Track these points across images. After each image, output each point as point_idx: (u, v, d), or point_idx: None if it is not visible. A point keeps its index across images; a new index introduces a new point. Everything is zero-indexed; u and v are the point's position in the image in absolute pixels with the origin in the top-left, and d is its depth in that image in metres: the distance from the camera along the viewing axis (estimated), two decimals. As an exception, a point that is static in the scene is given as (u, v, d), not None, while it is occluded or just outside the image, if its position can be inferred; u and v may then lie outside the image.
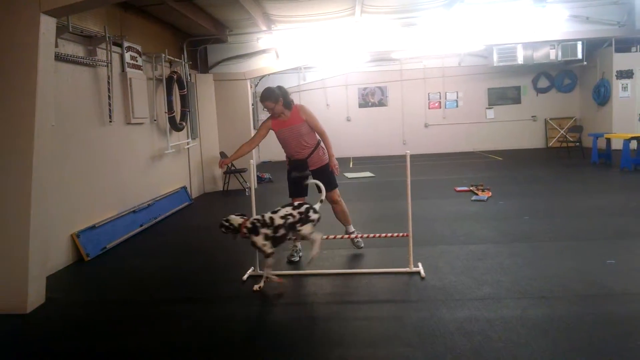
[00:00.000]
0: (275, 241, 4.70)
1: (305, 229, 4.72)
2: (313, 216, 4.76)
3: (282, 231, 4.67)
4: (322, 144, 5.61)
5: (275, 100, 5.37)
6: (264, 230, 4.64)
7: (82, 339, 3.94)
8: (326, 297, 4.58)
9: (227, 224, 4.74)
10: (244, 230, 4.66)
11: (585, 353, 3.23)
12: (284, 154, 5.73)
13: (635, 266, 4.89)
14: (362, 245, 5.86)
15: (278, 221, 4.66)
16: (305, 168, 5.49)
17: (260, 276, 4.85)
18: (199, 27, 9.74)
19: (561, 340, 3.42)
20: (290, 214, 4.71)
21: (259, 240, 4.63)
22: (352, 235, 5.78)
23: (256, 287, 4.70)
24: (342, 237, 5.68)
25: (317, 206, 4.86)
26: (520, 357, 3.20)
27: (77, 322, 4.29)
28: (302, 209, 4.76)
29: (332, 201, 5.65)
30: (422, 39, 11.75)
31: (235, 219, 4.75)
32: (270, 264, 4.72)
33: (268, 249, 4.64)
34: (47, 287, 4.78)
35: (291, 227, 4.72)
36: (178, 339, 3.82)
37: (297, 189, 5.55)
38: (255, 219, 4.73)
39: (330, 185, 5.53)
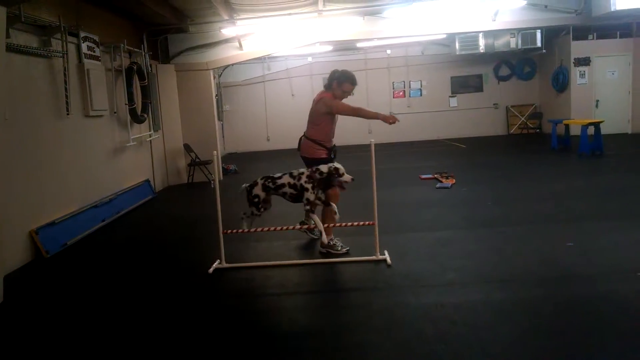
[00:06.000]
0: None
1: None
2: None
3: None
4: None
5: None
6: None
7: (42, 338, 3.83)
8: (294, 287, 4.56)
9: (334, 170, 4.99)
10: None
11: (548, 334, 3.31)
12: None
13: (593, 248, 5.03)
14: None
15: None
16: (336, 153, 5.62)
17: (229, 268, 4.80)
18: (158, 16, 9.52)
19: (524, 323, 3.49)
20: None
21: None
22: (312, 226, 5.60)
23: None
24: (299, 228, 5.70)
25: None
26: (485, 341, 3.25)
27: (37, 321, 4.17)
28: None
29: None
30: (385, 28, 11.78)
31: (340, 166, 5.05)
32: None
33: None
34: (5, 286, 4.62)
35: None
36: (141, 338, 3.75)
37: None
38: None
39: None
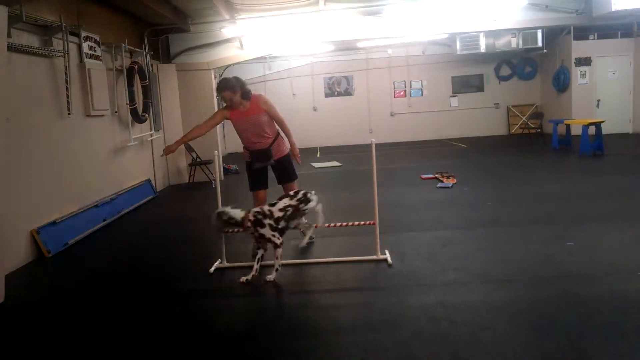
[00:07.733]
0: (280, 232, 4.63)
1: (310, 206, 4.74)
2: (312, 197, 4.79)
3: (282, 223, 4.61)
4: (281, 134, 5.53)
5: (233, 90, 5.18)
6: (267, 222, 4.55)
7: (43, 336, 3.84)
8: (293, 286, 4.57)
9: (226, 217, 4.52)
10: (248, 223, 4.53)
11: (548, 334, 3.31)
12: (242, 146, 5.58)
13: (594, 247, 5.03)
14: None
15: (277, 214, 4.60)
16: (269, 158, 5.36)
17: (230, 268, 4.81)
18: (159, 16, 9.53)
19: (524, 322, 3.50)
20: (289, 205, 4.67)
21: (267, 231, 4.55)
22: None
23: (244, 279, 4.60)
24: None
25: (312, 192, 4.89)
26: (484, 340, 3.26)
27: (39, 320, 4.18)
28: (300, 195, 4.78)
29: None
30: (386, 28, 11.78)
31: (236, 212, 4.55)
32: (281, 255, 4.65)
33: (277, 239, 4.58)
34: (6, 285, 4.63)
35: (292, 217, 4.68)
36: (142, 336, 3.76)
37: (261, 181, 5.47)
38: (255, 212, 4.60)
39: (292, 176, 5.56)
